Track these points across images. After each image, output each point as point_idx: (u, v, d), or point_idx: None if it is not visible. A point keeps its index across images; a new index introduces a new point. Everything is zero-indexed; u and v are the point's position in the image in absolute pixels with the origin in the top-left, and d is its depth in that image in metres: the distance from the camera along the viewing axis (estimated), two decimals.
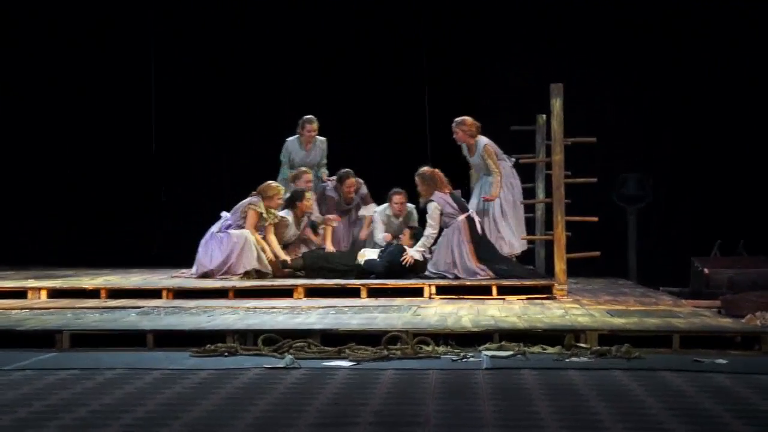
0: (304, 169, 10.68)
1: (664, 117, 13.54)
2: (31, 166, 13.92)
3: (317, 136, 11.01)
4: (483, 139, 10.44)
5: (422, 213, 10.30)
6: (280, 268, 10.01)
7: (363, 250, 10.21)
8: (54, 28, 13.93)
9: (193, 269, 10.15)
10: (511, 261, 10.14)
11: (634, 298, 9.29)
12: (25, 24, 13.95)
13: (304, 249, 10.42)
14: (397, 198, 10.58)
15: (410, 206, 10.65)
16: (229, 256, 9.86)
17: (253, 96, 13.88)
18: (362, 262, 9.95)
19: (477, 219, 10.01)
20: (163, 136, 14.10)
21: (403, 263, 9.88)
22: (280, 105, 13.52)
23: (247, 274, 9.81)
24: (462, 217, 9.89)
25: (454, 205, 9.98)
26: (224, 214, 10.22)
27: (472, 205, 10.32)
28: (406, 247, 10.02)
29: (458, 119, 10.55)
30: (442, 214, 9.87)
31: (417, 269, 9.96)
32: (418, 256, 9.91)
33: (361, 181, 10.97)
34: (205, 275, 9.95)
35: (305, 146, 10.98)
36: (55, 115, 13.93)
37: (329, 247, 10.44)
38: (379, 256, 10.02)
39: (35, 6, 13.94)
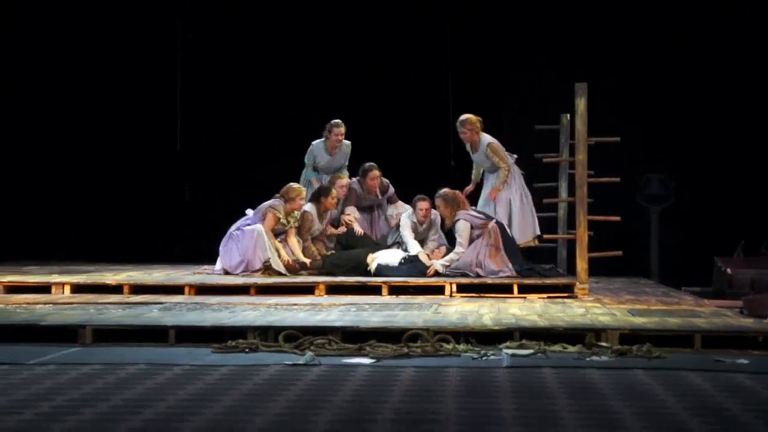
0: (339, 175, 10.67)
1: (688, 117, 13.46)
2: (55, 162, 13.97)
3: (343, 140, 10.94)
4: (486, 137, 10.37)
5: (447, 231, 10.27)
6: (298, 270, 10.00)
7: (378, 253, 10.07)
8: (79, 25, 13.98)
9: (217, 266, 10.19)
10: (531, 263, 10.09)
11: (655, 298, 9.25)
12: (51, 21, 14.00)
13: (322, 248, 10.42)
14: (422, 204, 10.34)
15: (435, 213, 10.53)
16: (246, 252, 9.89)
17: (277, 94, 13.89)
18: (373, 267, 9.84)
19: (505, 224, 9.99)
20: (188, 134, 14.14)
21: (427, 274, 9.80)
22: (304, 104, 13.52)
23: (268, 270, 9.81)
24: (492, 223, 9.85)
25: (481, 216, 9.96)
26: (249, 211, 10.25)
27: (481, 202, 10.31)
28: (434, 261, 9.91)
29: (462, 118, 10.45)
30: (472, 228, 9.82)
31: None
32: (441, 270, 9.84)
33: (387, 181, 10.91)
34: (227, 273, 9.98)
35: (330, 151, 10.89)
36: (80, 111, 13.98)
37: (358, 229, 10.42)
38: (401, 263, 9.90)
39: (62, 2, 13.99)
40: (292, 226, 10.17)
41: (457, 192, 10.09)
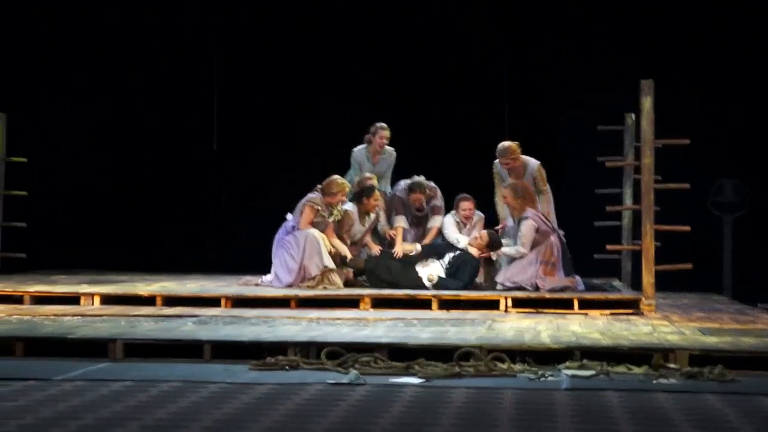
0: (369, 175, 10.63)
1: (764, 116, 13.30)
2: (83, 166, 14.09)
3: (387, 147, 10.91)
4: (532, 159, 10.34)
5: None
6: (339, 263, 10.03)
7: (422, 268, 10.03)
8: (114, 25, 14.08)
9: (267, 277, 10.15)
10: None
11: (728, 315, 9.17)
12: (84, 22, 14.10)
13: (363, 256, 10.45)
14: (465, 204, 10.44)
15: (478, 214, 10.53)
16: (302, 259, 9.90)
17: (318, 93, 13.92)
18: (429, 285, 9.83)
19: (564, 239, 9.99)
20: (225, 133, 14.21)
21: (480, 257, 9.86)
22: (346, 104, 13.54)
23: (324, 276, 9.82)
24: (554, 236, 9.84)
25: (548, 223, 9.94)
26: (289, 216, 10.27)
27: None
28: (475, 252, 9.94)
29: (503, 148, 10.30)
30: (537, 231, 9.79)
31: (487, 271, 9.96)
32: (495, 258, 9.89)
33: (436, 189, 10.76)
34: (289, 285, 9.94)
35: (373, 156, 10.85)
36: (111, 112, 14.08)
37: (398, 249, 10.37)
38: (448, 271, 9.90)
39: (95, 3, 14.13)
40: (334, 221, 10.13)
41: (527, 185, 10.05)
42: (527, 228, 9.78)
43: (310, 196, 10.13)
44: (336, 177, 10.27)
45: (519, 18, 13.72)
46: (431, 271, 9.94)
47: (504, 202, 10.13)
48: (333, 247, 10.05)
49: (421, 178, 10.68)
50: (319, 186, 10.18)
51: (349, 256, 10.12)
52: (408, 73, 13.75)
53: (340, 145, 11.37)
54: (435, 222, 10.64)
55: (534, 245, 9.78)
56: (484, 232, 10.12)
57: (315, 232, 9.98)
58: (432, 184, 10.77)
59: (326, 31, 13.94)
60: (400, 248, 10.39)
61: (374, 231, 10.73)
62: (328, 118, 13.68)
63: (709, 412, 5.27)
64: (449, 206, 10.74)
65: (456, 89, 13.73)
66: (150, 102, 14.08)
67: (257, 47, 14.08)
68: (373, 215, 10.50)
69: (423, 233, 10.69)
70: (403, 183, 10.77)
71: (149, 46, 14.05)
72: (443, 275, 9.88)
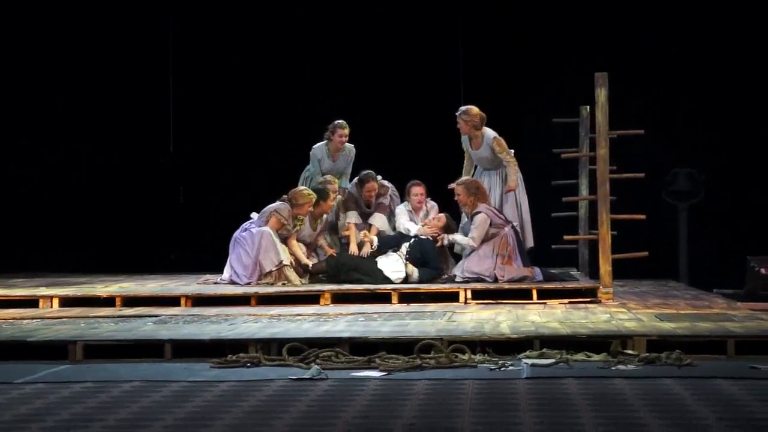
0: (330, 178, 10.57)
1: (717, 107, 13.43)
2: (41, 167, 14.01)
3: (346, 143, 10.88)
4: (490, 132, 10.37)
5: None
6: (302, 273, 10.03)
7: (385, 260, 10.06)
8: (69, 26, 13.99)
9: (225, 275, 10.12)
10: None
11: (685, 301, 9.26)
12: (40, 23, 14.00)
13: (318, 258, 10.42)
14: (416, 189, 10.36)
15: (432, 203, 10.53)
16: (256, 255, 9.88)
17: (275, 91, 13.90)
18: (401, 278, 9.90)
19: (518, 229, 10.06)
20: (181, 134, 14.16)
21: (436, 242, 9.95)
22: (303, 102, 13.52)
23: (281, 272, 9.80)
24: (508, 228, 9.90)
25: (501, 216, 10.00)
26: (254, 215, 10.24)
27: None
28: (444, 235, 9.99)
29: (463, 108, 10.48)
30: (490, 225, 9.85)
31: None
32: (446, 243, 9.98)
33: (387, 188, 10.66)
34: (237, 282, 9.91)
35: (333, 154, 10.80)
36: (68, 114, 14.00)
37: (353, 249, 10.34)
38: (408, 259, 9.97)
39: (53, 4, 14.02)
40: (296, 232, 10.16)
41: (480, 183, 10.13)
42: (480, 221, 9.85)
43: (278, 206, 10.06)
44: (303, 188, 10.27)
45: (474, 11, 13.76)
46: (393, 263, 9.95)
47: (457, 199, 10.18)
48: (294, 254, 10.04)
49: (378, 178, 10.67)
50: (285, 196, 10.14)
51: (310, 264, 10.09)
52: (364, 70, 13.76)
53: (299, 143, 11.34)
54: (375, 221, 10.46)
55: (489, 238, 9.84)
56: (442, 215, 10.24)
57: (268, 230, 9.95)
58: (386, 183, 10.73)
59: (282, 31, 13.93)
60: (354, 246, 10.32)
61: (330, 231, 10.69)
62: (286, 117, 13.66)
63: (668, 396, 5.33)
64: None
65: (412, 84, 13.75)
66: (106, 104, 14.00)
67: (213, 47, 14.03)
68: (325, 217, 10.46)
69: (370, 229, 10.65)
70: (356, 179, 10.73)
71: (104, 47, 13.97)
72: (402, 265, 9.92)
